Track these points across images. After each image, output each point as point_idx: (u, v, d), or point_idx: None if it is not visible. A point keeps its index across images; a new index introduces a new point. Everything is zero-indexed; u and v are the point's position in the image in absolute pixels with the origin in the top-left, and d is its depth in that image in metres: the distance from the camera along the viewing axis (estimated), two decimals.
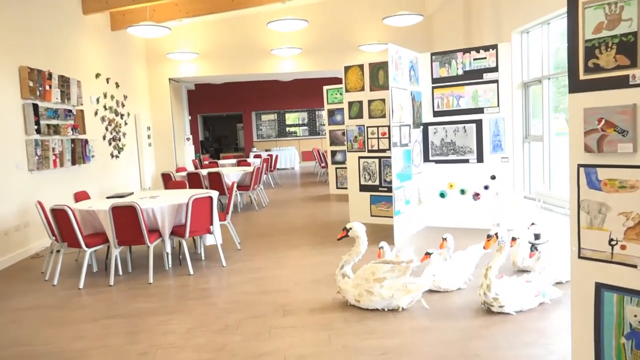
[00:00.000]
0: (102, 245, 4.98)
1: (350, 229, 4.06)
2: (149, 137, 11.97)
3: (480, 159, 6.28)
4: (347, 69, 7.22)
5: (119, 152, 9.86)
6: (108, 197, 5.81)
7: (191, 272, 5.07)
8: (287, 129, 21.14)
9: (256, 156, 14.68)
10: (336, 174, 10.62)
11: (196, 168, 12.30)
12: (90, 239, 4.88)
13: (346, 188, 10.44)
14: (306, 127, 21.18)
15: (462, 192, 6.42)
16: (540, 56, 7.22)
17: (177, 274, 5.12)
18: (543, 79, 7.14)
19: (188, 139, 13.97)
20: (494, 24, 9.00)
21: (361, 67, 7.05)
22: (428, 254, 4.13)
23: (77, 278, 4.90)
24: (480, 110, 6.24)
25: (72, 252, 5.80)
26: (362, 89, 7.06)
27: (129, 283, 4.87)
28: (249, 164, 10.96)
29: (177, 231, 5.11)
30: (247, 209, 9.18)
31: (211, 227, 5.29)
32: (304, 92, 19.75)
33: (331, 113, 10.53)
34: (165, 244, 5.10)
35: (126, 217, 4.76)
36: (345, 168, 10.50)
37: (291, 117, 21.13)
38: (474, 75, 6.24)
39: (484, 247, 3.75)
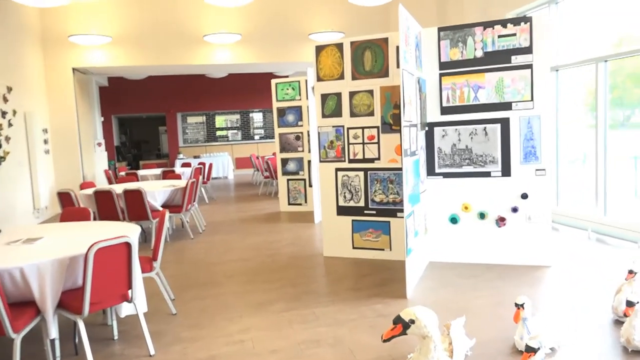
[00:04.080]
0: None
1: (413, 322, 2.19)
2: (45, 142, 9.38)
3: (506, 171, 4.66)
4: (319, 49, 5.35)
5: None
6: None
7: None
8: (217, 132, 18.87)
9: (184, 164, 12.40)
10: (288, 187, 8.70)
11: (110, 181, 9.86)
12: None
13: (300, 204, 8.58)
14: (238, 131, 19.02)
15: (482, 216, 4.76)
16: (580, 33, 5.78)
17: None
18: (599, 62, 5.68)
19: (99, 145, 11.44)
20: (480, 3, 7.53)
21: (340, 47, 5.22)
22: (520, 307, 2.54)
23: None
24: (507, 106, 4.62)
25: None
26: (341, 76, 5.22)
27: None
28: (178, 177, 8.75)
29: (69, 302, 3.00)
30: (178, 236, 7.02)
31: (129, 291, 3.21)
32: (237, 91, 17.62)
33: (281, 112, 8.60)
34: (48, 327, 2.96)
35: None
36: (301, 180, 8.66)
37: (221, 120, 18.88)
38: (498, 58, 4.61)
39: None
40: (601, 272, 4.39)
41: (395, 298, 3.97)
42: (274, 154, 15.57)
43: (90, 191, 6.44)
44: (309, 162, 8.39)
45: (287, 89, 8.52)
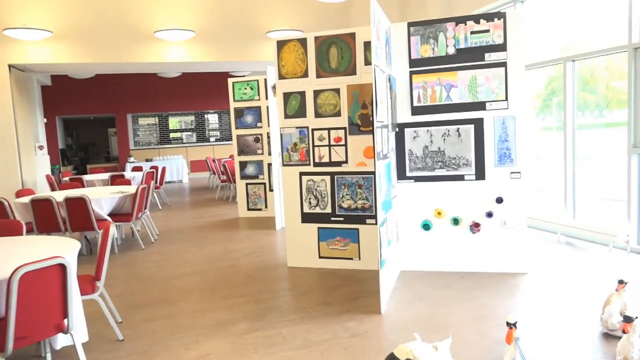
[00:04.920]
0: None
1: None
2: None
3: (480, 174, 4.43)
4: (281, 45, 4.97)
5: None
6: None
7: None
8: (171, 134, 18.11)
9: (135, 168, 11.71)
10: (247, 191, 8.27)
11: (52, 188, 9.12)
12: None
13: (260, 209, 8.17)
14: (192, 133, 18.33)
15: (455, 221, 4.52)
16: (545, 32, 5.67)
17: None
18: (566, 61, 5.59)
19: (40, 148, 10.61)
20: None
21: (303, 42, 4.86)
22: None
23: None
24: (480, 106, 4.39)
25: None
26: (305, 74, 4.87)
27: None
28: (128, 182, 8.15)
29: None
30: (127, 246, 6.47)
31: (65, 320, 2.74)
32: (192, 92, 16.96)
33: (239, 113, 8.16)
34: None
35: None
36: (260, 184, 8.23)
37: (175, 121, 18.13)
38: (471, 56, 4.38)
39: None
40: (577, 278, 4.22)
41: (368, 314, 3.65)
42: (231, 156, 15.05)
43: (27, 199, 5.81)
44: (269, 165, 7.99)
45: (245, 89, 8.09)
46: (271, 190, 8.04)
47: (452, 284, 4.18)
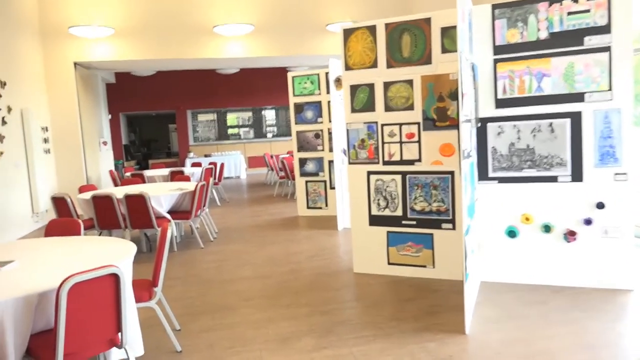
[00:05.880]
0: None
1: None
2: (45, 141, 8.74)
3: (577, 175, 3.87)
4: (348, 33, 4.58)
5: None
6: None
7: None
8: (229, 130, 18.18)
9: (195, 164, 11.71)
10: (307, 189, 7.96)
11: (115, 183, 9.20)
12: None
13: (320, 208, 7.85)
14: (250, 129, 18.31)
15: (547, 228, 3.98)
16: None
17: None
18: None
19: (104, 144, 10.79)
20: None
21: (372, 30, 4.45)
22: None
23: None
24: (578, 97, 3.83)
25: None
26: (374, 65, 4.46)
27: None
28: (187, 179, 8.05)
29: (40, 351, 2.29)
30: (187, 245, 6.31)
31: (119, 334, 2.49)
32: (249, 88, 16.90)
33: (299, 108, 7.86)
34: None
35: None
36: (320, 181, 7.91)
37: (233, 117, 18.18)
38: (568, 40, 3.83)
39: None
40: None
41: (450, 333, 3.22)
42: (288, 152, 14.85)
43: (88, 195, 5.76)
44: (330, 162, 7.64)
45: (306, 83, 7.78)
46: (332, 188, 7.70)
47: (545, 301, 3.67)
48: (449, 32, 4.15)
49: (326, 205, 7.83)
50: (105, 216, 5.62)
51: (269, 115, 18.32)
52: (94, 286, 2.27)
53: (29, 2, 8.50)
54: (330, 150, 7.60)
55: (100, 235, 5.85)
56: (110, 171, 9.83)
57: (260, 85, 16.90)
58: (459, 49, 3.13)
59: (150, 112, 18.07)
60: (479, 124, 4.07)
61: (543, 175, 3.96)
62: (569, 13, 3.80)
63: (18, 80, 7.79)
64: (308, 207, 7.99)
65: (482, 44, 4.04)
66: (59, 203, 5.67)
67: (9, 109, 7.37)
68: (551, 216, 3.96)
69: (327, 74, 7.45)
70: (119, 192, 5.81)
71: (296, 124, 7.90)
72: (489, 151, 4.10)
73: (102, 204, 5.58)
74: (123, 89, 15.56)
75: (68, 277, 2.17)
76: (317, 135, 7.80)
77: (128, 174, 9.19)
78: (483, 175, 4.13)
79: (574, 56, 3.82)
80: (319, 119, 7.73)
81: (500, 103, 4.04)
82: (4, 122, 7.15)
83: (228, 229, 7.21)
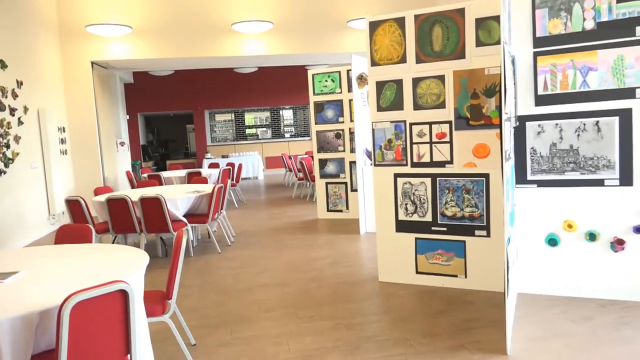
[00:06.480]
0: None
1: None
2: (62, 141, 8.63)
3: (627, 179, 3.54)
4: (374, 26, 4.30)
5: (6, 166, 6.55)
6: None
7: None
8: (247, 130, 18.02)
9: (212, 165, 11.54)
10: (327, 191, 7.70)
11: (131, 184, 9.06)
12: None
13: (341, 211, 7.58)
14: (267, 129, 18.13)
15: (592, 236, 3.65)
16: None
17: None
18: None
19: (122, 144, 10.67)
20: None
21: (401, 22, 4.17)
22: None
23: None
24: (629, 93, 3.50)
25: None
26: (403, 60, 4.18)
27: None
28: (204, 180, 7.86)
29: None
30: (203, 249, 6.10)
31: (127, 357, 2.26)
32: (267, 87, 16.72)
33: (319, 107, 7.60)
34: None
35: None
36: (341, 183, 7.65)
37: (251, 117, 18.01)
38: (617, 31, 3.50)
39: None
40: None
41: (489, 353, 2.92)
42: (306, 152, 14.61)
43: (103, 198, 5.58)
44: (352, 163, 7.37)
45: (326, 81, 7.52)
46: (353, 190, 7.43)
47: (591, 316, 3.35)
48: (484, 24, 3.85)
49: (347, 208, 7.56)
50: (120, 220, 5.43)
51: (287, 114, 18.13)
52: (100, 304, 2.04)
53: (46, 1, 8.39)
54: (352, 151, 7.33)
55: (115, 239, 5.67)
56: (127, 172, 9.70)
57: (278, 85, 16.70)
58: (502, 40, 2.83)
59: (168, 112, 18.01)
60: (517, 123, 3.76)
61: (588, 178, 3.63)
62: (619, 1, 3.48)
63: (34, 79, 7.68)
64: (328, 210, 7.73)
65: (521, 35, 3.73)
66: (73, 206, 5.50)
67: (26, 109, 7.25)
68: (597, 223, 3.63)
69: (348, 71, 7.19)
70: (135, 195, 5.62)
71: (316, 123, 7.65)
72: (527, 152, 3.78)
73: (117, 207, 5.39)
74: (141, 89, 15.51)
75: (71, 294, 1.95)
76: (337, 135, 7.53)
77: (145, 175, 9.04)
78: (521, 178, 3.82)
79: (624, 48, 3.49)
80: (340, 119, 7.47)
81: (540, 100, 3.73)
82: (20, 123, 7.03)
83: (246, 233, 6.98)
